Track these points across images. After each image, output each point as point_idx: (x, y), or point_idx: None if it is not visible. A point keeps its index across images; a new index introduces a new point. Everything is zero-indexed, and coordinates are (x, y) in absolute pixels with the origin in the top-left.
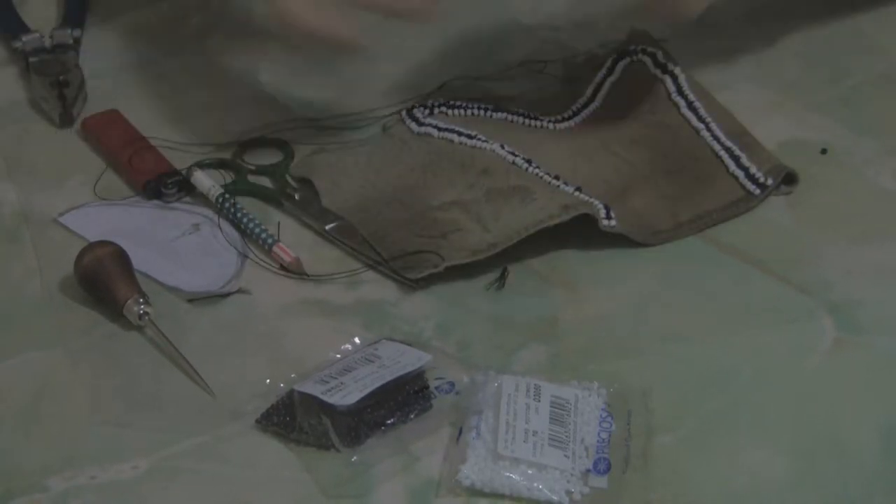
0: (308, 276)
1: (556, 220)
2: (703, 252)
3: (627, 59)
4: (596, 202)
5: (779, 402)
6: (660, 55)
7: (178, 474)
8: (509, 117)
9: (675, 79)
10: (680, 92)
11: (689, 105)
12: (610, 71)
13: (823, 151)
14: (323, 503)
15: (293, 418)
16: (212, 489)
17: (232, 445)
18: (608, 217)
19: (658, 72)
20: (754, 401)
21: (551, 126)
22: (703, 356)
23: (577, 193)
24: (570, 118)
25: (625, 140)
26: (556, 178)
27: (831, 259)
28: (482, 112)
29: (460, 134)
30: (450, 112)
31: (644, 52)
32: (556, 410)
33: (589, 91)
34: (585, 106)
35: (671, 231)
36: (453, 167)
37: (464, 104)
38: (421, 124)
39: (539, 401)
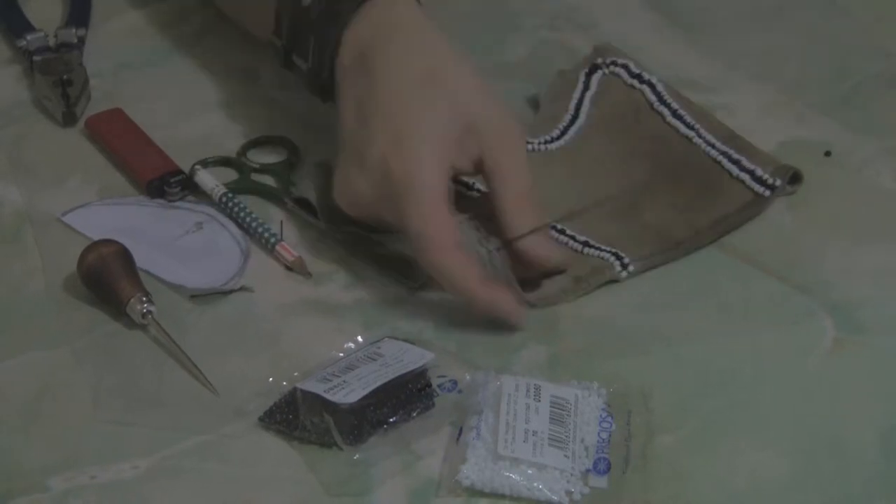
0: (311, 275)
1: (571, 298)
2: (703, 252)
3: (600, 73)
4: (607, 256)
5: (779, 402)
6: (632, 65)
7: (180, 473)
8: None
9: (653, 88)
10: (661, 101)
11: (674, 113)
12: (586, 86)
13: (827, 154)
14: (325, 503)
15: (296, 416)
16: (213, 488)
17: (233, 444)
18: (623, 266)
19: (635, 82)
20: (754, 401)
21: (543, 147)
22: (703, 356)
23: (586, 250)
24: (559, 137)
25: (618, 155)
26: (562, 232)
27: (831, 259)
28: None
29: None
30: None
31: (615, 63)
32: (556, 410)
33: (571, 108)
34: (571, 123)
35: (692, 239)
36: None
37: None
38: None
39: (539, 401)
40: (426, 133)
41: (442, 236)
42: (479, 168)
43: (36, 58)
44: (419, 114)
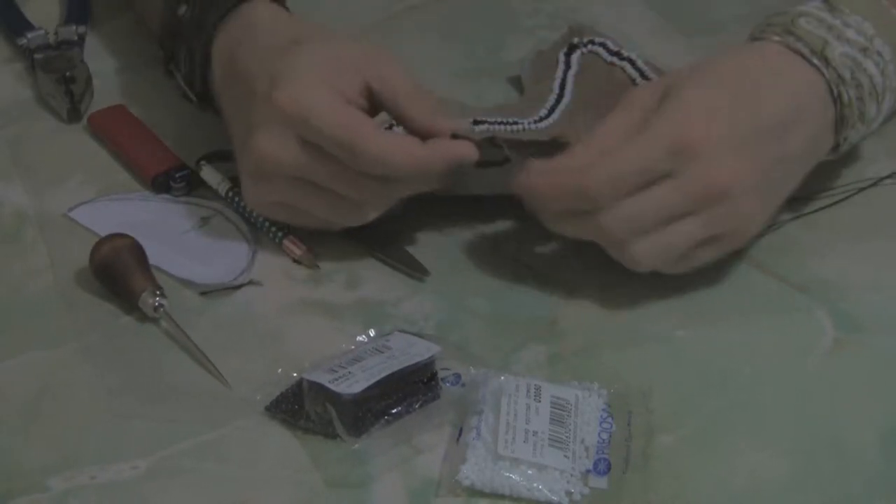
0: (319, 266)
1: None
2: None
3: (579, 52)
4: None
5: (779, 402)
6: (610, 43)
7: (179, 473)
8: (489, 128)
9: (633, 64)
10: (644, 76)
11: None
12: (567, 65)
13: None
14: (325, 500)
15: (301, 406)
16: (212, 488)
17: (233, 443)
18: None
19: (615, 59)
20: (754, 401)
21: (533, 127)
22: (703, 356)
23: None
24: (547, 116)
25: None
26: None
27: (831, 259)
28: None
29: None
30: None
31: (592, 42)
32: (557, 411)
33: (556, 87)
34: (557, 102)
35: None
36: None
37: None
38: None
39: (539, 401)
40: (301, 70)
41: (362, 125)
42: (369, 99)
43: (37, 55)
44: (290, 61)
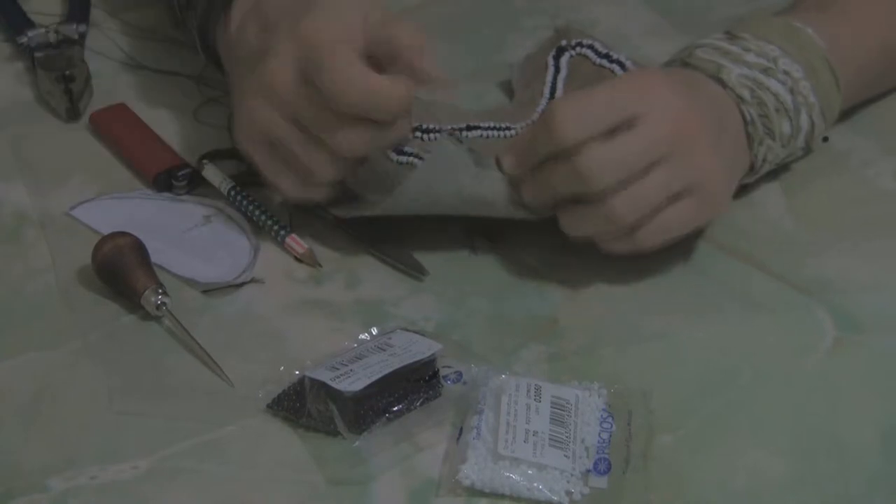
0: (321, 265)
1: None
2: (703, 252)
3: (568, 55)
4: None
5: (779, 402)
6: (598, 45)
7: (179, 474)
8: (483, 133)
9: (622, 66)
10: None
11: None
12: (557, 69)
13: (825, 139)
14: (326, 498)
15: (302, 404)
16: (212, 489)
17: (234, 443)
18: None
19: (604, 62)
20: (754, 401)
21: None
22: (703, 356)
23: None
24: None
25: None
26: None
27: (831, 259)
28: (458, 133)
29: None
30: (425, 137)
31: (581, 45)
32: (557, 411)
33: (546, 91)
34: None
35: None
36: None
37: (437, 127)
38: (400, 153)
39: (539, 401)
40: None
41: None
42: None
43: (37, 54)
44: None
